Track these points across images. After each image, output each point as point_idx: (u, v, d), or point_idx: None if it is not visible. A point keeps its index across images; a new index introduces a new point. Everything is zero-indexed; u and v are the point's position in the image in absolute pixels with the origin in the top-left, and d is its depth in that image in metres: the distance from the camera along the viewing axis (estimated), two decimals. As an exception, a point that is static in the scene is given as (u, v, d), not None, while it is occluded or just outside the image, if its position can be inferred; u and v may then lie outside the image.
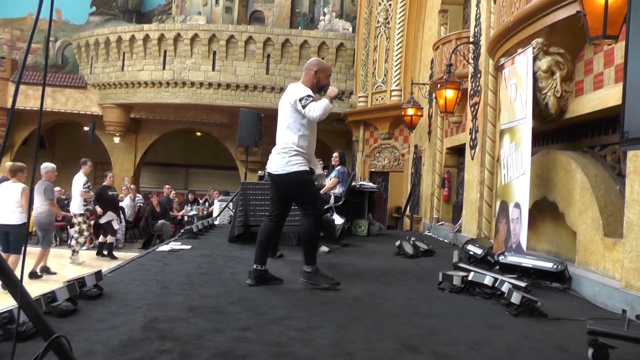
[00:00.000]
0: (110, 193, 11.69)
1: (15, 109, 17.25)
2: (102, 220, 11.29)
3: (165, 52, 18.49)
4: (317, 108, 4.14)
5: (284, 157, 4.23)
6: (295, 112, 4.24)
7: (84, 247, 10.63)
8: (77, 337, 2.57)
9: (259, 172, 8.35)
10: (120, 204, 13.79)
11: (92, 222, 11.04)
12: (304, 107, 4.15)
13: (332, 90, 4.38)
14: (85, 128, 21.11)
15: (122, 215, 13.50)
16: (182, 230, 8.07)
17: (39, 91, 19.82)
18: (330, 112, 4.25)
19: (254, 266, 4.28)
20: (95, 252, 11.60)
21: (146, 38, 18.49)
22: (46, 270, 9.17)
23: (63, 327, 2.64)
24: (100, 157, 21.39)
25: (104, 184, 11.76)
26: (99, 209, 11.23)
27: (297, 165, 4.21)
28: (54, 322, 2.63)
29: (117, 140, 21.17)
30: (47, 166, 9.30)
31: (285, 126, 4.29)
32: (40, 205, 8.89)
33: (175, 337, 2.67)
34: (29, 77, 20.06)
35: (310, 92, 4.26)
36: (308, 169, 4.31)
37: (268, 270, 4.31)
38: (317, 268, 4.24)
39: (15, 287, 1.65)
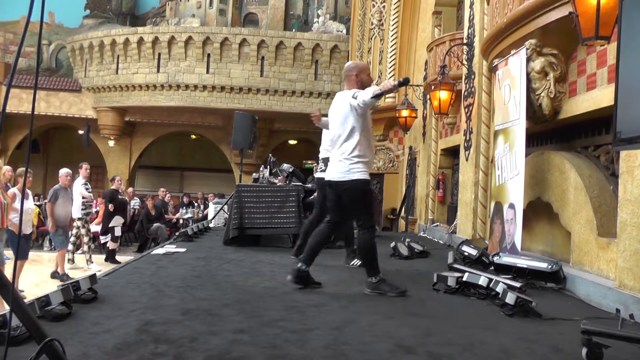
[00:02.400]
0: (120, 197, 11.77)
1: (8, 112, 17.21)
2: (111, 224, 11.38)
3: (159, 55, 18.48)
4: (366, 91, 4.10)
5: (345, 164, 4.20)
6: (350, 117, 4.19)
7: (78, 251, 10.61)
8: (72, 340, 2.57)
9: (254, 174, 8.34)
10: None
11: (90, 227, 11.06)
12: (355, 98, 4.12)
13: (387, 82, 4.22)
14: (80, 132, 21.04)
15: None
16: (177, 233, 8.05)
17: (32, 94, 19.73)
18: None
19: (299, 264, 4.27)
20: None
21: (140, 41, 18.48)
22: (58, 275, 9.15)
23: (57, 331, 2.64)
24: (95, 161, 21.32)
25: (112, 187, 11.96)
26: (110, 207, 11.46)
27: (358, 173, 4.18)
28: (48, 326, 2.63)
29: (111, 143, 21.13)
30: (60, 171, 9.65)
31: (341, 133, 4.25)
32: None
33: (169, 340, 2.67)
34: (22, 81, 19.99)
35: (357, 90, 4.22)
36: (369, 177, 4.28)
37: (309, 273, 4.30)
38: (382, 278, 4.19)
39: (7, 291, 1.65)
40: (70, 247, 10.47)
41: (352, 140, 4.20)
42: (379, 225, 12.42)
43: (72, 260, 10.39)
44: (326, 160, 5.30)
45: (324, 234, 4.38)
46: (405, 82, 4.19)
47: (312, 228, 5.02)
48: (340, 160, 4.25)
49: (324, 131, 5.77)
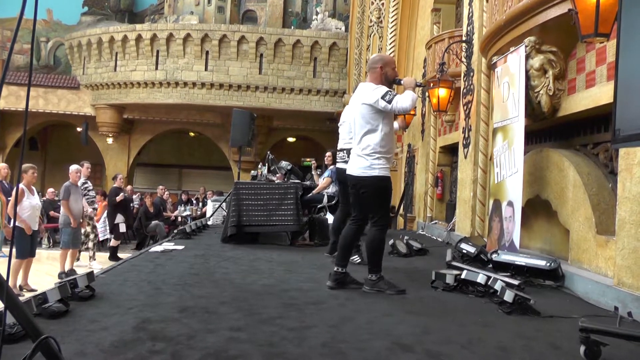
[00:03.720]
0: (123, 195, 11.81)
1: (6, 110, 17.17)
2: (116, 222, 11.44)
3: (157, 52, 18.45)
4: (405, 99, 4.03)
5: (366, 160, 4.13)
6: (373, 112, 4.11)
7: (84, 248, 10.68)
8: (69, 338, 2.56)
9: (252, 171, 8.34)
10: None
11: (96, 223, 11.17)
12: (389, 102, 4.02)
13: (409, 80, 4.26)
14: (79, 129, 21.01)
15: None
16: (175, 231, 8.04)
17: (32, 92, 19.70)
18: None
19: (335, 268, 4.26)
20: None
21: (138, 38, 18.44)
22: (72, 273, 9.14)
23: (54, 329, 2.63)
24: (94, 158, 21.27)
25: (115, 185, 12.06)
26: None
27: (379, 169, 4.11)
28: (45, 324, 2.63)
29: (110, 141, 21.09)
30: (70, 167, 9.58)
31: (363, 128, 4.16)
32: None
33: (166, 338, 2.66)
34: (20, 78, 19.92)
35: (386, 88, 4.14)
36: (389, 175, 4.22)
37: (349, 273, 4.29)
38: (381, 276, 4.17)
39: (1, 289, 1.64)
40: (90, 244, 10.57)
41: (374, 135, 4.13)
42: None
43: (92, 257, 10.67)
44: (349, 151, 5.25)
45: (352, 233, 4.35)
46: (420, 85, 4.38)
47: (340, 224, 5.00)
48: (360, 155, 4.18)
49: (342, 125, 5.73)
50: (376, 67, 4.26)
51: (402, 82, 4.30)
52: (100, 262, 10.56)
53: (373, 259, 4.21)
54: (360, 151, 4.19)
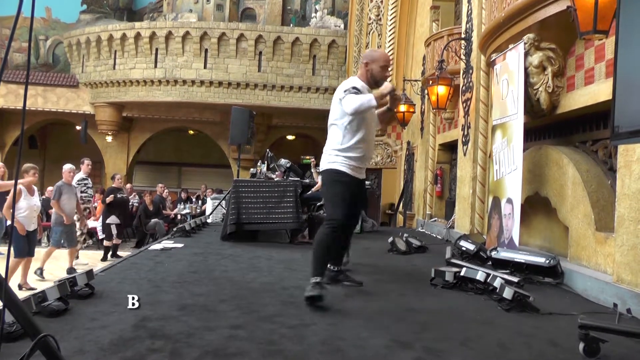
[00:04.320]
0: (119, 195, 11.74)
1: (6, 108, 17.09)
2: (107, 222, 11.39)
3: (156, 50, 18.40)
4: (353, 100, 3.67)
5: (326, 156, 3.97)
6: (338, 109, 3.89)
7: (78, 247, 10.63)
8: (68, 336, 2.56)
9: (251, 169, 8.34)
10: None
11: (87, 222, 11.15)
12: (344, 98, 3.77)
13: (386, 86, 3.87)
14: (78, 127, 20.98)
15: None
16: (174, 229, 8.04)
17: (31, 90, 19.67)
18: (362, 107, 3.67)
19: (329, 266, 4.22)
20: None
21: (137, 36, 18.40)
22: (72, 271, 9.12)
23: (53, 327, 2.63)
24: (93, 157, 21.14)
25: (113, 185, 11.98)
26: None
27: (332, 163, 3.90)
28: (44, 322, 2.63)
29: (109, 139, 21.06)
30: (64, 167, 9.52)
31: (332, 123, 3.98)
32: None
33: (165, 336, 2.66)
34: (19, 77, 19.88)
35: (357, 84, 3.85)
36: (343, 169, 3.86)
37: (343, 271, 4.28)
38: (319, 282, 3.59)
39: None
40: (81, 239, 10.59)
41: (338, 132, 3.92)
42: (377, 221, 12.41)
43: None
44: None
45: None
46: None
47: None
48: (325, 152, 4.02)
49: None
50: (363, 62, 4.04)
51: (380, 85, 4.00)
52: (89, 259, 10.53)
53: (314, 258, 3.73)
54: (325, 148, 4.03)
